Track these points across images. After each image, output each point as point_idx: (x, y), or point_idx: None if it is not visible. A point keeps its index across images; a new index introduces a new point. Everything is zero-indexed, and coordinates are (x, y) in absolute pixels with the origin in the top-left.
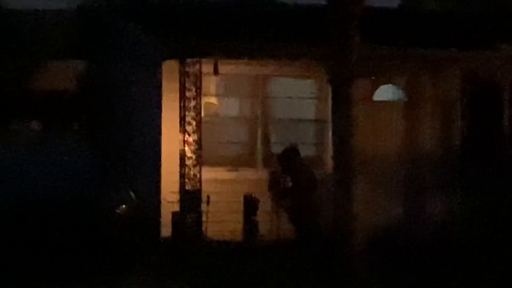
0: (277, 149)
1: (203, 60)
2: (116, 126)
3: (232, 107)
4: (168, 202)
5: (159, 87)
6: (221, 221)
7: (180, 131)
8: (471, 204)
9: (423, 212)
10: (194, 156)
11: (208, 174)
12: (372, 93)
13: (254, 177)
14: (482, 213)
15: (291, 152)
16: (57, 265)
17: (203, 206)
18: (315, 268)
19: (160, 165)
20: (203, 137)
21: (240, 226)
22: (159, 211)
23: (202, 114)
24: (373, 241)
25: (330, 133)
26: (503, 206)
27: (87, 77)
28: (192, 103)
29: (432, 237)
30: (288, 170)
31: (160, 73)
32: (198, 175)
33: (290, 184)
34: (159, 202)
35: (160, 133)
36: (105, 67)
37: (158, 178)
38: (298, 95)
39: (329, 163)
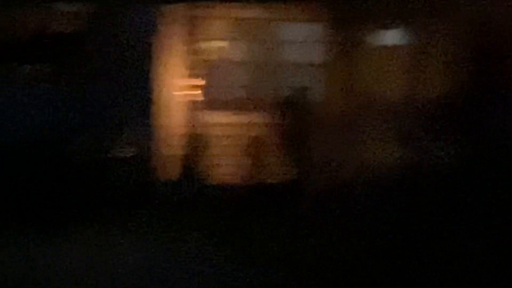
0: (282, 93)
1: (210, 3)
2: (117, 69)
3: (238, 51)
4: (171, 146)
5: (165, 30)
6: (226, 164)
7: (184, 75)
8: (473, 149)
9: (426, 157)
10: (198, 100)
11: (212, 117)
12: (376, 37)
13: (259, 121)
14: (484, 159)
15: (298, 95)
16: (53, 210)
17: (208, 150)
18: (319, 209)
19: (161, 110)
20: (208, 81)
21: (244, 170)
22: (162, 156)
23: (208, 57)
24: (378, 184)
25: (335, 77)
26: (505, 151)
27: (90, 18)
28: (198, 47)
29: (433, 179)
30: (293, 113)
31: (166, 16)
32: (202, 119)
33: (295, 127)
34: (161, 146)
35: (160, 77)
36: (106, 9)
37: (161, 123)
38: (303, 39)
39: (333, 107)
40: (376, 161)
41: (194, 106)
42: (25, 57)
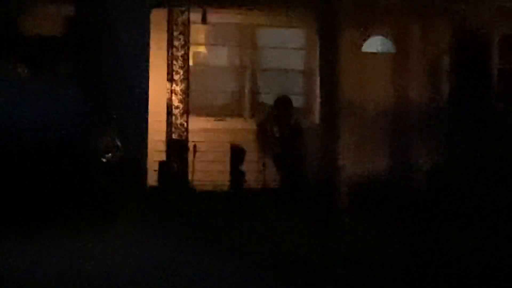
0: (265, 99)
1: (192, 8)
2: (104, 73)
3: (220, 56)
4: (155, 151)
5: (147, 35)
6: (208, 170)
7: (167, 80)
8: (458, 156)
9: (409, 164)
10: (181, 105)
11: (195, 123)
12: (361, 45)
13: (241, 127)
14: (468, 166)
15: (280, 102)
16: (41, 212)
17: (190, 156)
18: (301, 217)
19: (147, 114)
20: (191, 86)
21: (226, 176)
22: (146, 160)
23: (190, 63)
24: (359, 191)
25: (318, 84)
26: (490, 158)
27: (75, 22)
28: (180, 52)
29: (418, 188)
30: (276, 120)
31: (148, 22)
32: (185, 124)
33: (278, 134)
34: (146, 150)
35: (147, 82)
36: (93, 14)
37: (145, 127)
38: (286, 45)
39: (317, 113)
40: (359, 167)
41: (176, 111)
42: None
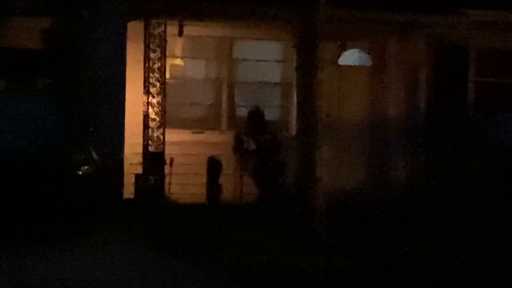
0: (242, 112)
1: (168, 21)
2: (80, 86)
3: (197, 69)
4: (131, 164)
5: (123, 48)
6: (185, 183)
7: (144, 93)
8: (436, 169)
9: (387, 176)
10: (157, 118)
11: (172, 136)
12: (337, 57)
13: (218, 140)
14: (446, 178)
15: (255, 114)
16: (16, 224)
17: (167, 168)
18: (278, 231)
19: (123, 127)
20: (167, 99)
21: (203, 189)
22: (122, 173)
23: (167, 76)
24: (336, 204)
25: (295, 97)
26: (468, 170)
27: (51, 35)
28: (157, 65)
29: (395, 201)
30: (252, 133)
31: (125, 34)
32: (161, 137)
33: (254, 146)
34: (122, 163)
35: (124, 94)
36: (70, 27)
37: (122, 140)
38: (263, 58)
39: (294, 126)
40: (336, 179)
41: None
42: None
